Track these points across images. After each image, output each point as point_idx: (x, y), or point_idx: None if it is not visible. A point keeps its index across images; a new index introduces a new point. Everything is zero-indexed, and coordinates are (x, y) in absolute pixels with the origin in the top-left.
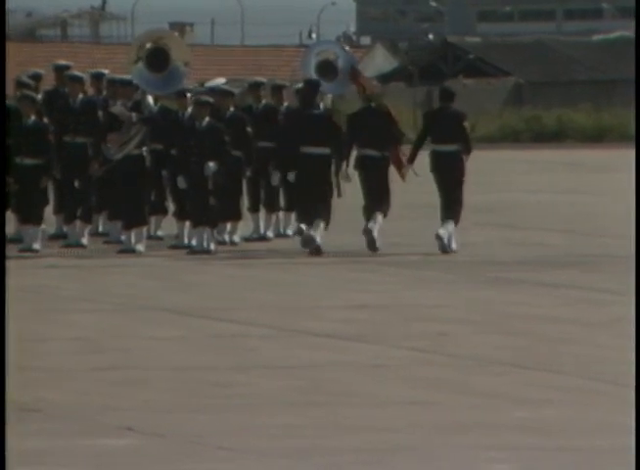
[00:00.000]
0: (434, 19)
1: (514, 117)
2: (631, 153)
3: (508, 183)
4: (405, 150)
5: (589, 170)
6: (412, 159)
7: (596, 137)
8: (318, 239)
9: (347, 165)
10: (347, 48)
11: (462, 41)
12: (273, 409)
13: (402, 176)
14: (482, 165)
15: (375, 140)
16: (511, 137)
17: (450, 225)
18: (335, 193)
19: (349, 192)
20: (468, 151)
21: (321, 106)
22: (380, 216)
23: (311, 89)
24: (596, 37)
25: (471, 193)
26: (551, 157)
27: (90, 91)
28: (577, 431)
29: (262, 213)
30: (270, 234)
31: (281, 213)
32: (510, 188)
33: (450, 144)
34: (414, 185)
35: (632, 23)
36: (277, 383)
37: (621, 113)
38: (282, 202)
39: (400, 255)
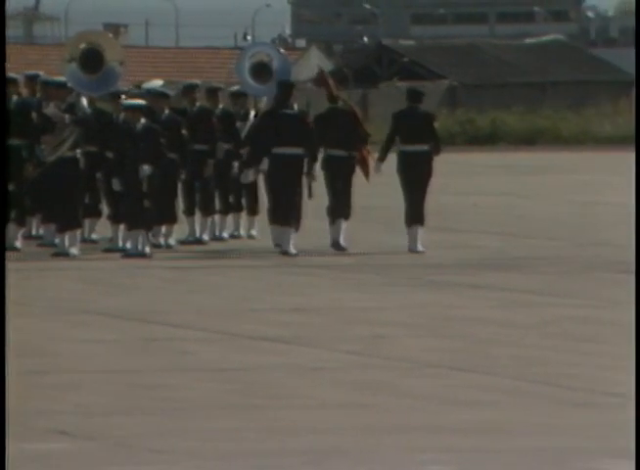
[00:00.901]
0: (368, 21)
1: (448, 120)
2: (563, 155)
3: (443, 186)
4: (372, 150)
5: (523, 173)
6: (382, 158)
7: (529, 140)
8: (292, 249)
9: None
10: (282, 50)
11: (396, 44)
12: (209, 412)
13: (366, 177)
14: None
15: (342, 140)
16: (446, 140)
17: (420, 231)
18: (305, 194)
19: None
20: (438, 151)
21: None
22: (344, 224)
23: (285, 90)
24: (528, 40)
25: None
26: (485, 159)
27: (24, 92)
28: (514, 432)
29: (198, 217)
30: (206, 237)
31: (216, 217)
32: (445, 191)
33: (420, 144)
34: (355, 187)
35: (563, 27)
36: (213, 386)
37: (554, 115)
38: (217, 205)
39: (337, 257)
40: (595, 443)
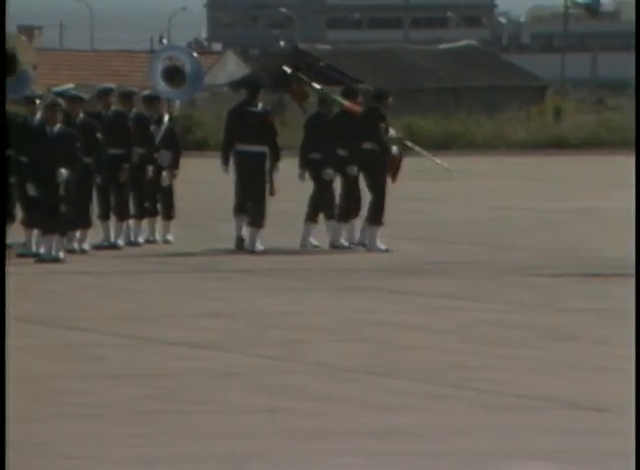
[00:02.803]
0: (284, 25)
1: None
2: (477, 159)
3: None
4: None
5: (437, 178)
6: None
7: (443, 145)
8: (258, 245)
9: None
10: (195, 54)
11: (312, 48)
12: (124, 418)
13: (393, 178)
14: None
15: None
16: None
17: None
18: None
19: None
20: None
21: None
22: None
23: (252, 90)
24: (442, 46)
25: None
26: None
27: None
28: (430, 436)
29: (113, 221)
30: (121, 242)
31: (131, 221)
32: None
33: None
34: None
35: (476, 32)
36: (128, 391)
37: (468, 120)
38: (132, 209)
39: (254, 262)
40: (509, 445)
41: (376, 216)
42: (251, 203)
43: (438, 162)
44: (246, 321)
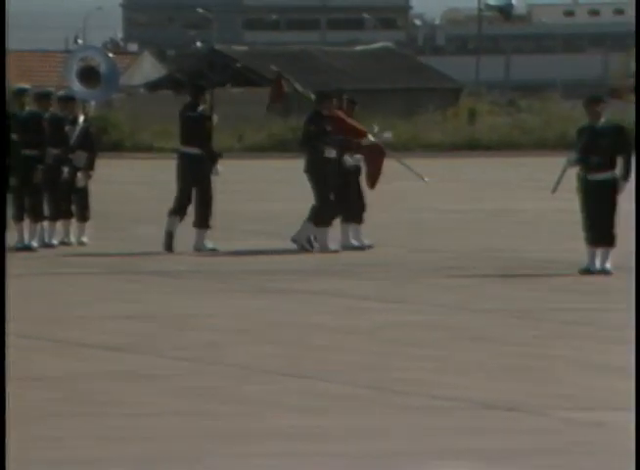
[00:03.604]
0: (201, 26)
1: (280, 127)
2: (393, 162)
3: (275, 192)
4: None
5: None
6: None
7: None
8: (210, 245)
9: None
10: (111, 54)
11: (229, 49)
12: (34, 421)
13: (370, 184)
14: (250, 174)
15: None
16: (278, 146)
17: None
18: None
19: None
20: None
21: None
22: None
23: (195, 93)
24: (359, 48)
25: (239, 202)
26: None
27: None
28: (347, 437)
29: (27, 223)
30: (35, 244)
31: (46, 223)
32: (277, 197)
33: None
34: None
35: (392, 34)
36: (40, 394)
37: (384, 122)
38: (47, 211)
39: (169, 263)
40: (424, 445)
41: (317, 217)
42: (196, 204)
43: (415, 171)
44: (162, 323)
